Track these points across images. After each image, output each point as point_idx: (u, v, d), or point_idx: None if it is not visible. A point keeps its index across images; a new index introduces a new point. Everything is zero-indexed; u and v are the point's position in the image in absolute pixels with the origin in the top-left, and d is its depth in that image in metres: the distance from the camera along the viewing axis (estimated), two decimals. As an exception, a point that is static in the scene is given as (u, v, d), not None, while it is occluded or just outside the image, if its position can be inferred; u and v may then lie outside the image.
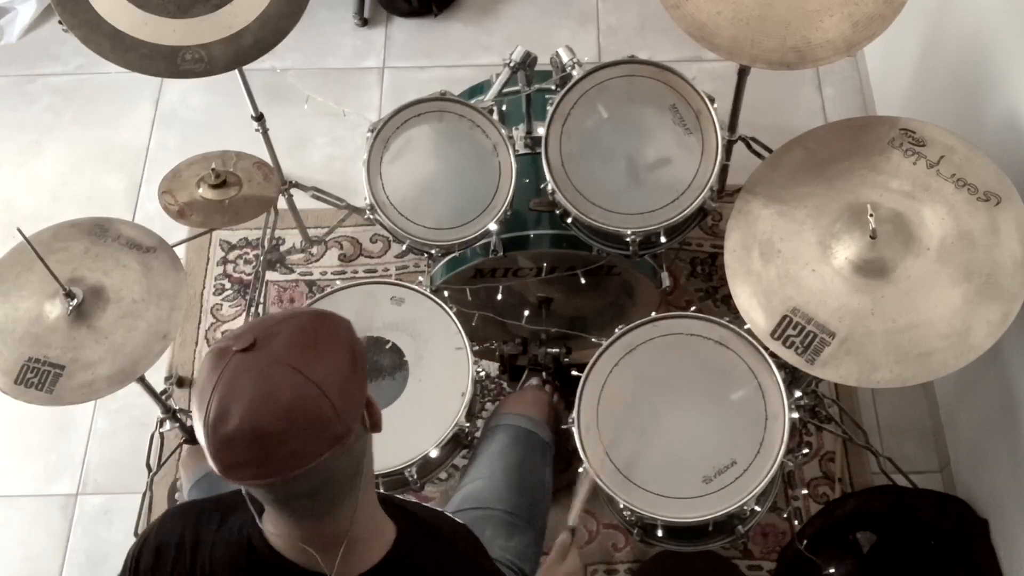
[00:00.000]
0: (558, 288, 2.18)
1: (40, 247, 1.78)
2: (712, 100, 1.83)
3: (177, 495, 2.42)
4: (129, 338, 1.82)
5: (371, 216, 1.92)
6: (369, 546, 1.17)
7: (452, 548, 1.28)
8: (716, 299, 2.60)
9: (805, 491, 2.35)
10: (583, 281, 2.06)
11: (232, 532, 1.20)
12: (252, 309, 2.58)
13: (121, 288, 1.87)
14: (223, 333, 2.66)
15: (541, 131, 1.89)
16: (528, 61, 1.96)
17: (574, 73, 1.92)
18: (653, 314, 1.87)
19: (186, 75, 1.86)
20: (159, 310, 1.86)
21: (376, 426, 1.13)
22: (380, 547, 1.18)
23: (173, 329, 1.85)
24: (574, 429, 1.78)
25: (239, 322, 2.65)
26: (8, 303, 1.85)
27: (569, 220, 1.90)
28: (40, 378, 1.78)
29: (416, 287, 1.96)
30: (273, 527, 1.16)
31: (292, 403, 1.01)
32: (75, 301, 1.81)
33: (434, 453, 1.79)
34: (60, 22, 1.88)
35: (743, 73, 2.05)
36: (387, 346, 1.90)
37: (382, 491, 1.35)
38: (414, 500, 1.39)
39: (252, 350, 1.02)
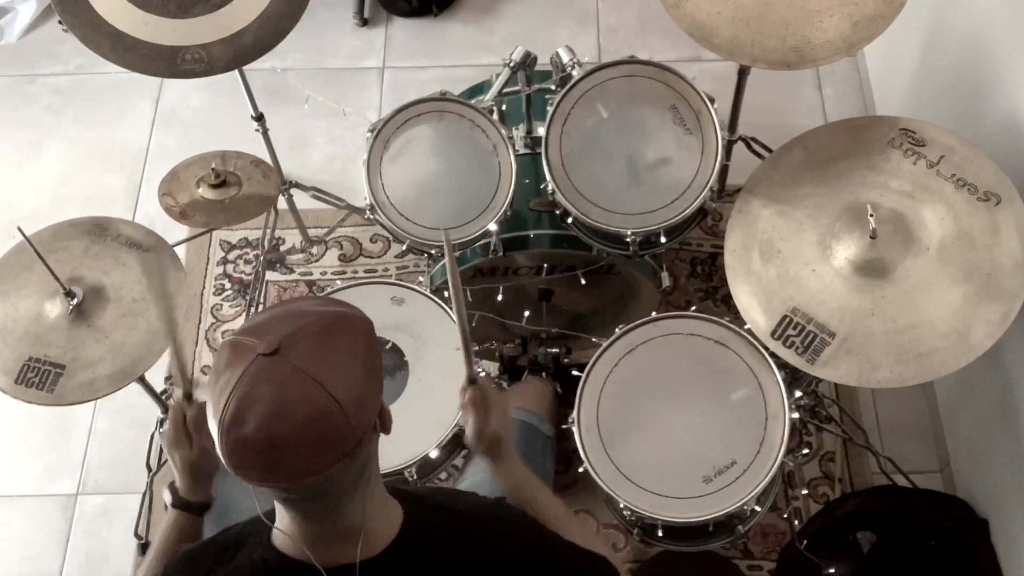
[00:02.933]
0: (558, 288, 2.18)
1: (40, 247, 1.79)
2: (712, 100, 1.83)
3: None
4: (129, 337, 1.82)
5: (371, 216, 1.92)
6: (379, 532, 1.17)
7: (461, 519, 1.26)
8: (716, 299, 2.60)
9: (805, 491, 2.35)
10: (583, 281, 2.06)
11: (245, 563, 1.19)
12: (252, 309, 2.58)
13: (121, 287, 1.87)
14: (223, 334, 2.66)
15: (541, 131, 1.89)
16: (528, 61, 1.96)
17: (574, 73, 1.92)
18: (653, 314, 1.88)
19: (186, 75, 1.86)
20: (158, 311, 1.85)
21: (387, 428, 1.13)
22: (389, 531, 1.18)
23: (174, 328, 1.85)
24: (574, 429, 1.78)
25: (239, 322, 2.64)
26: (8, 302, 1.85)
27: (569, 220, 1.90)
28: (41, 377, 1.79)
29: (416, 287, 1.96)
30: (286, 529, 1.15)
31: (309, 418, 1.02)
32: (75, 300, 1.81)
33: (434, 453, 1.79)
34: (60, 22, 1.88)
35: (743, 73, 2.05)
36: (387, 346, 1.90)
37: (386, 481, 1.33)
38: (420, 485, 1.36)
39: (276, 355, 1.02)
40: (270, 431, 1.01)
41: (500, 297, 2.11)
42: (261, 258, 2.61)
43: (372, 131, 1.92)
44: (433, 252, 1.97)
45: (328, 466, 1.04)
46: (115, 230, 1.94)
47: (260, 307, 2.64)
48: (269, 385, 1.01)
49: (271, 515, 1.18)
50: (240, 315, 2.66)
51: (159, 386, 2.48)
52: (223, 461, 1.04)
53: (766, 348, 1.76)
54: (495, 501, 1.35)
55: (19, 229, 1.78)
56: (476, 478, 1.79)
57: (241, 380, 1.01)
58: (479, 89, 2.16)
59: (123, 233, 1.94)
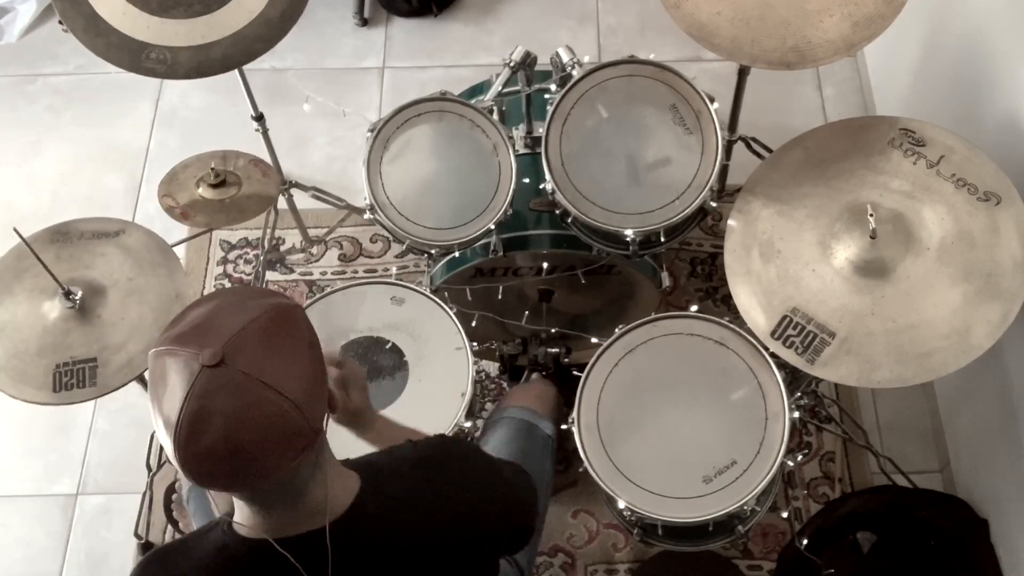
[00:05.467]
0: (558, 288, 2.18)
1: (7, 272, 1.82)
2: (712, 100, 1.83)
3: (175, 496, 2.42)
4: (144, 311, 1.84)
5: (371, 216, 1.92)
6: (338, 501, 1.18)
7: (413, 473, 1.27)
8: (716, 299, 2.60)
9: (805, 491, 2.35)
10: (583, 281, 2.06)
11: (208, 552, 1.20)
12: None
13: (112, 273, 1.88)
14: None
15: (541, 131, 1.89)
16: (528, 61, 1.96)
17: (574, 73, 1.92)
18: (653, 314, 1.88)
19: (147, 73, 1.86)
20: (158, 277, 1.88)
21: (334, 408, 1.15)
22: (346, 497, 1.19)
23: (183, 287, 1.88)
24: (574, 429, 1.78)
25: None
26: (11, 326, 1.85)
27: (569, 220, 1.90)
28: (77, 377, 1.79)
29: (416, 287, 1.96)
30: (247, 522, 1.16)
31: (267, 422, 1.02)
32: (77, 296, 1.82)
33: (434, 453, 1.79)
34: (60, 22, 1.88)
35: (743, 73, 2.05)
36: (387, 346, 1.90)
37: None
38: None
39: (221, 365, 1.01)
40: (229, 441, 1.01)
41: (500, 297, 2.11)
42: (261, 258, 2.61)
43: (372, 131, 1.92)
44: (433, 252, 1.97)
45: (293, 460, 1.06)
46: (76, 230, 1.95)
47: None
48: (221, 396, 1.01)
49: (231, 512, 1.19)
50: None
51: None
52: (181, 473, 1.04)
53: (766, 348, 1.76)
54: (437, 440, 1.35)
55: (15, 229, 1.77)
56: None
57: (191, 395, 1.01)
58: (479, 89, 2.15)
59: (84, 229, 1.95)
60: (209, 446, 1.01)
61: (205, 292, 2.72)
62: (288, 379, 1.04)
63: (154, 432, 2.36)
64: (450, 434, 1.79)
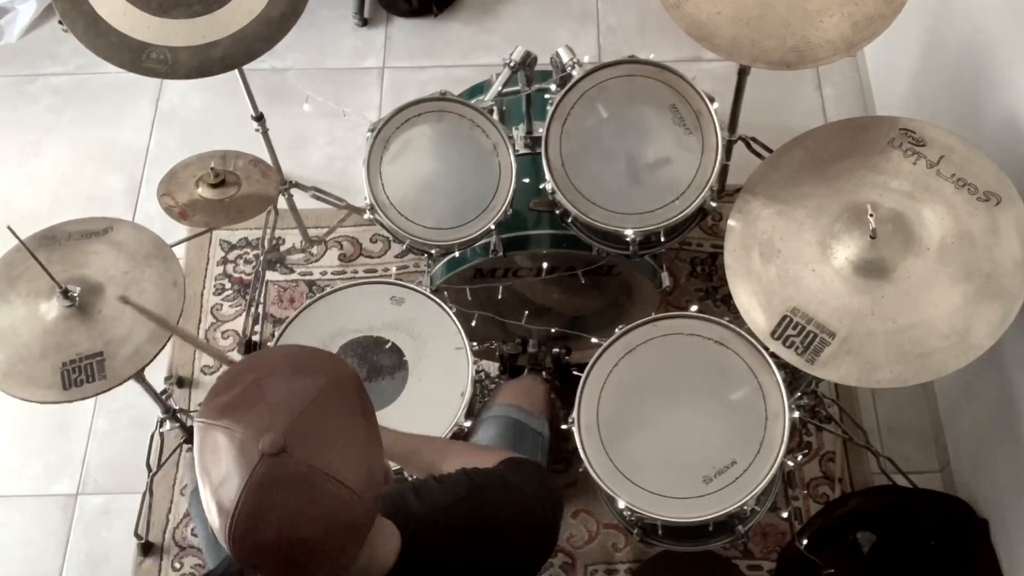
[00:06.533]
0: (558, 288, 2.18)
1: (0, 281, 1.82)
2: (712, 100, 1.83)
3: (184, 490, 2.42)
4: (144, 302, 1.83)
5: (371, 216, 1.92)
6: (380, 562, 1.13)
7: (456, 523, 1.23)
8: (716, 299, 2.60)
9: (805, 491, 2.35)
10: (583, 281, 2.06)
11: None
12: (252, 309, 2.58)
13: (106, 270, 1.89)
14: (223, 334, 2.65)
15: (541, 131, 1.89)
16: (528, 61, 1.96)
17: (574, 73, 1.92)
18: (653, 314, 1.88)
19: (147, 73, 1.86)
20: (154, 269, 1.89)
21: (389, 482, 1.09)
22: (389, 556, 1.14)
23: (179, 276, 1.89)
24: (574, 429, 1.78)
25: (239, 322, 2.64)
26: (11, 331, 1.85)
27: (569, 220, 1.90)
28: (86, 373, 1.80)
29: (416, 287, 1.96)
30: None
31: (329, 516, 0.97)
32: (76, 294, 1.82)
33: (434, 453, 1.79)
34: (60, 22, 1.88)
35: (743, 73, 2.05)
36: (387, 346, 1.90)
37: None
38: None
39: (282, 454, 0.95)
40: (290, 535, 0.96)
41: (500, 297, 2.11)
42: (261, 258, 2.61)
43: (372, 131, 1.92)
44: (433, 252, 1.97)
45: (351, 550, 1.01)
46: (63, 232, 1.95)
47: (260, 307, 2.64)
48: (282, 490, 0.95)
49: None
50: (240, 315, 2.66)
51: (159, 386, 2.48)
52: (233, 558, 0.99)
53: (766, 348, 1.76)
54: (464, 479, 1.29)
55: (9, 228, 1.77)
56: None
57: (249, 484, 0.94)
58: (479, 89, 2.15)
59: (72, 230, 1.95)
60: (267, 541, 0.96)
61: (205, 292, 2.72)
62: (350, 466, 0.98)
63: (154, 432, 2.38)
64: (448, 434, 1.79)
